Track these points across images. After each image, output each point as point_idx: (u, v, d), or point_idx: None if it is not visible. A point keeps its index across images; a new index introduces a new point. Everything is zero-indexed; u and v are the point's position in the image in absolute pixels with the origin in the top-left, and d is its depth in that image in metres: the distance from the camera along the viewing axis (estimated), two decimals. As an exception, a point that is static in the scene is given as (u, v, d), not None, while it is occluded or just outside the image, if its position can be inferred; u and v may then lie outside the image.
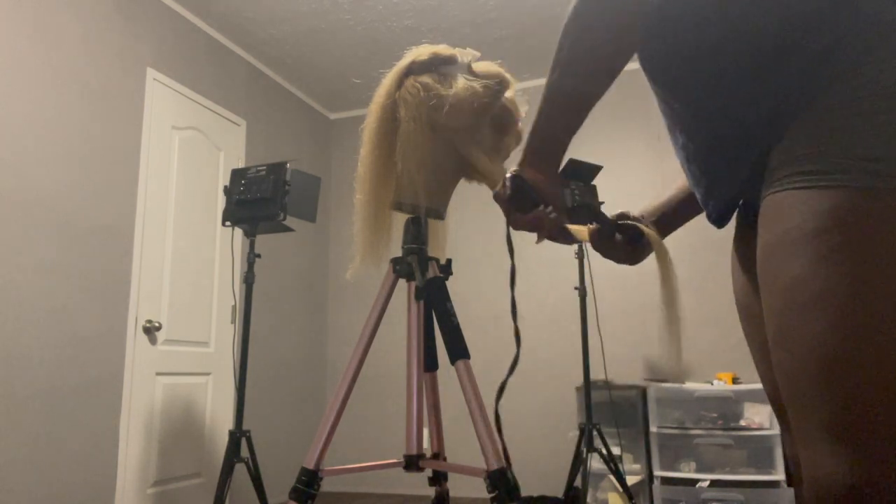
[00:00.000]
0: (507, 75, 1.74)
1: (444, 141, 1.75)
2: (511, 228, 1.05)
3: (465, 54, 1.73)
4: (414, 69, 1.71)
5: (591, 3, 0.86)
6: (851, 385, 0.67)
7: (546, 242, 4.28)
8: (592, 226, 1.11)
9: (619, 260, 1.15)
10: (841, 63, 0.73)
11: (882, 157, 0.69)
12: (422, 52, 1.72)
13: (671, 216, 1.17)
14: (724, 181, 0.90)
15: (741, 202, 0.99)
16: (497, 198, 1.02)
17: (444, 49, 1.71)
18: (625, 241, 1.14)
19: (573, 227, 1.07)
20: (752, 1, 0.78)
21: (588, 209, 1.16)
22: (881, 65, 0.71)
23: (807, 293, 0.70)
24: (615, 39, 0.86)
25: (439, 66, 1.71)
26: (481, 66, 1.73)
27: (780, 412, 0.98)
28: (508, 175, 1.00)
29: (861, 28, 0.73)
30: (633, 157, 4.32)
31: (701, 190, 0.96)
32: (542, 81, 4.60)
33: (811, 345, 0.70)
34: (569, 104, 0.92)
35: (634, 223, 1.12)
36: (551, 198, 0.99)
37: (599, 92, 0.90)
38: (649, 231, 1.10)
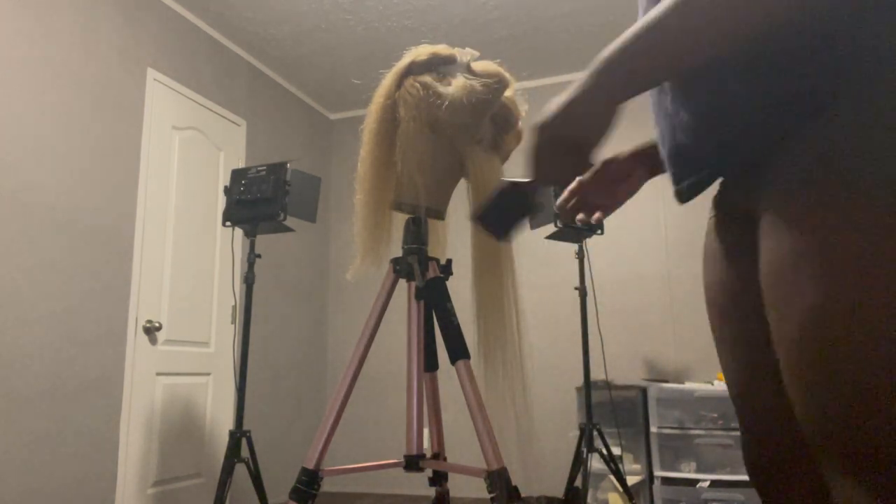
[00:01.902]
0: (507, 74, 1.74)
1: (444, 141, 1.75)
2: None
3: (464, 54, 1.73)
4: (413, 69, 1.72)
5: None
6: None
7: (544, 241, 4.28)
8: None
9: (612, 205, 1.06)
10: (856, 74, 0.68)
11: None
12: (421, 51, 1.72)
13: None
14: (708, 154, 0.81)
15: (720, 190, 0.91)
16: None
17: (443, 49, 1.71)
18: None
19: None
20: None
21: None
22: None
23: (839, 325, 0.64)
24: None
25: (439, 66, 1.72)
26: (480, 66, 1.73)
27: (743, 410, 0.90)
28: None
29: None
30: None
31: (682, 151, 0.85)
32: (542, 82, 4.60)
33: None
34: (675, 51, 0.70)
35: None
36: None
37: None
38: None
